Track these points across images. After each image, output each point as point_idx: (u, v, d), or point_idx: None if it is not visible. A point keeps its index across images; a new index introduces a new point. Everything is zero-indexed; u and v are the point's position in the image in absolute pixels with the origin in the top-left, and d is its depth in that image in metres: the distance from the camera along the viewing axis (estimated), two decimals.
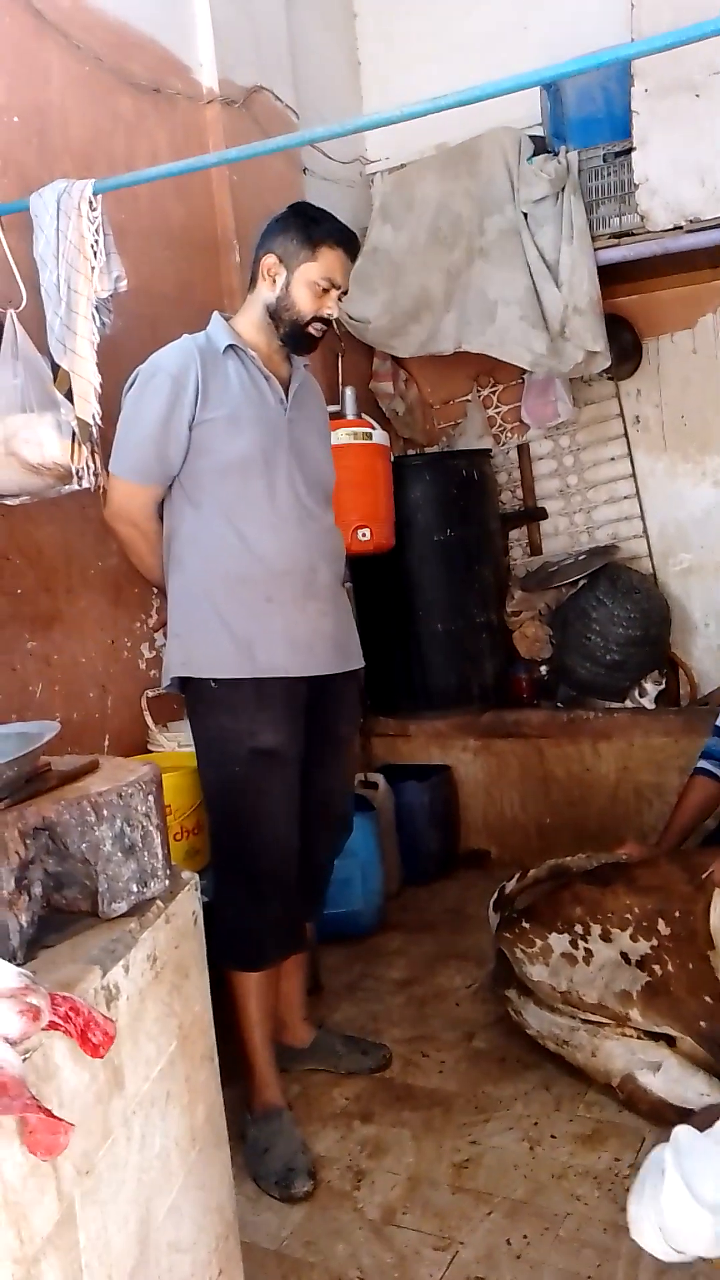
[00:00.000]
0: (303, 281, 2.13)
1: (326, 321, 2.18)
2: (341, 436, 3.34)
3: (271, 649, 2.12)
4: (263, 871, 2.16)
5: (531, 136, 3.65)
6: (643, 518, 4.05)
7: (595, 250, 3.47)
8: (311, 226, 2.13)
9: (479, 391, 4.22)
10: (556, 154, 3.53)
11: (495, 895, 2.73)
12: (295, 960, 2.39)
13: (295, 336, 2.18)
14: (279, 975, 2.33)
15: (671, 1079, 2.11)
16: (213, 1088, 1.47)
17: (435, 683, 3.90)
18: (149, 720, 2.71)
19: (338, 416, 3.43)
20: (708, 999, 2.14)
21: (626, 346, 3.95)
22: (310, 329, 2.17)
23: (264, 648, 2.12)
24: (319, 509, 2.24)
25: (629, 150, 3.40)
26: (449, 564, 3.85)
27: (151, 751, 2.69)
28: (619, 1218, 1.87)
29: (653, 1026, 2.20)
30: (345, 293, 2.20)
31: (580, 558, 3.99)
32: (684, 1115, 2.03)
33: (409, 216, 3.78)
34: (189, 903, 1.41)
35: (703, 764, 2.67)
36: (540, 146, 3.63)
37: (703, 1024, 2.13)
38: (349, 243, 2.18)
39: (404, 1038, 2.60)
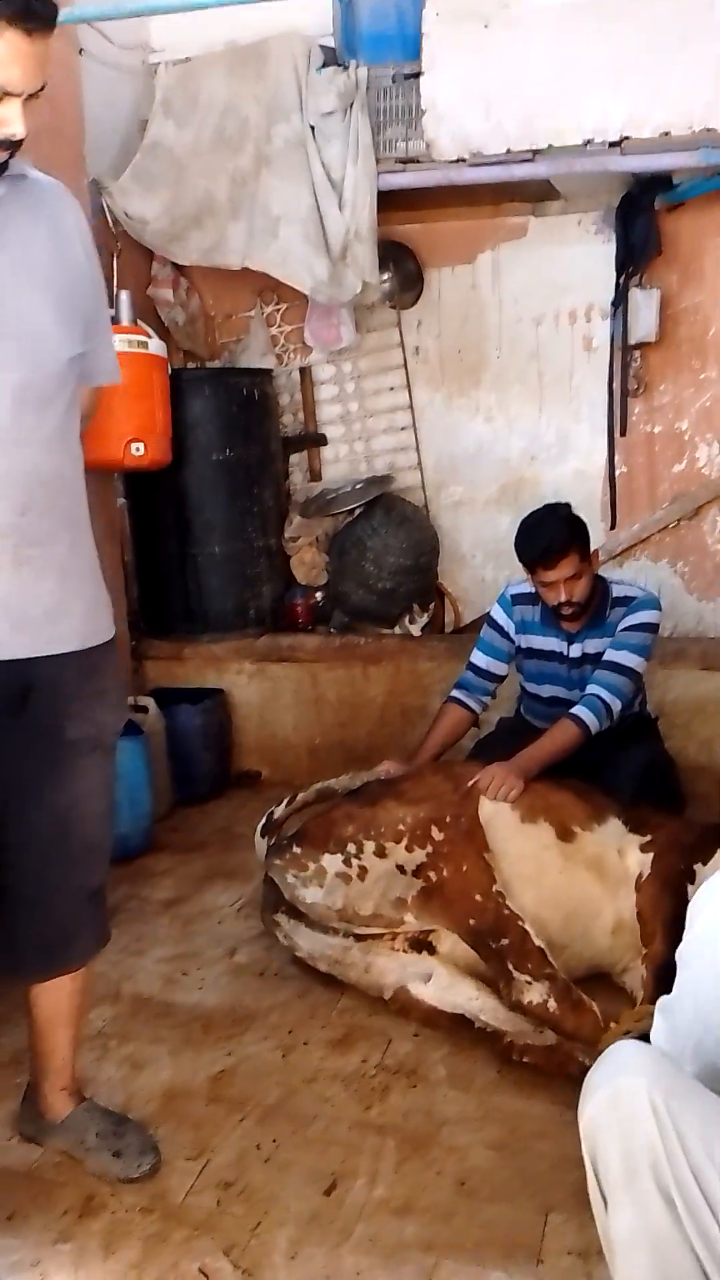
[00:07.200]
0: None
1: (13, 144, 1.48)
2: (116, 344, 3.17)
3: None
4: None
5: (323, 47, 3.55)
6: (418, 449, 4.13)
7: (381, 174, 3.44)
8: None
9: (262, 308, 4.12)
10: (346, 67, 3.45)
11: (263, 820, 2.77)
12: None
13: None
14: None
15: (442, 986, 2.22)
16: None
17: (212, 606, 3.86)
18: None
19: (111, 321, 3.25)
20: (478, 897, 2.25)
21: (409, 275, 3.96)
22: None
23: None
24: (12, 407, 1.56)
25: (418, 74, 3.36)
26: (229, 485, 3.79)
27: None
28: (364, 1116, 1.99)
29: (425, 926, 2.30)
30: (44, 89, 1.46)
31: (358, 486, 4.03)
32: (456, 1020, 2.17)
33: (193, 114, 3.60)
34: None
35: (456, 693, 2.91)
36: (331, 59, 3.54)
37: (472, 921, 2.24)
38: (29, 17, 1.37)
39: (166, 956, 2.62)
